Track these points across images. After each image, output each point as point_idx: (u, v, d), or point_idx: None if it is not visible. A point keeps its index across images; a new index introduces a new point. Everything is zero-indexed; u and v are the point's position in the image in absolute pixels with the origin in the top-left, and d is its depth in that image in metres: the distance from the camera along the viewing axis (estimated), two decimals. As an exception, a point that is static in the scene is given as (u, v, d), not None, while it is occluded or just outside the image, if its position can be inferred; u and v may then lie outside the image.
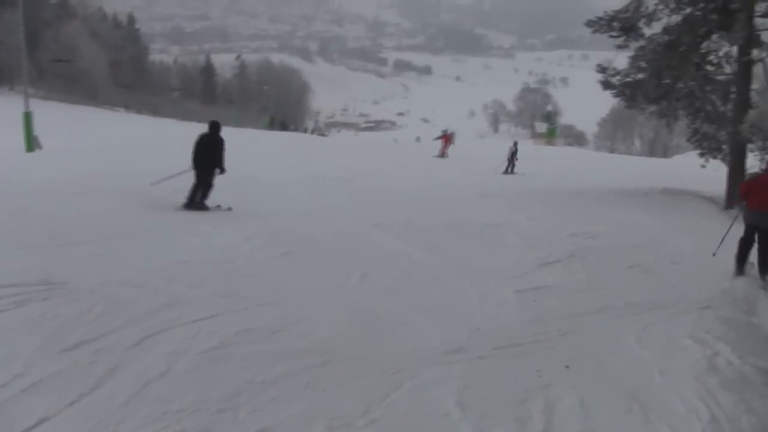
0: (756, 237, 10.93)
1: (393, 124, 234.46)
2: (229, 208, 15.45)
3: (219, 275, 9.25)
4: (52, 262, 9.33)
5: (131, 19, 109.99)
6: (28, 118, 33.55)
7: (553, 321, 7.93)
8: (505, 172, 30.46)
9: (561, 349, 7.06)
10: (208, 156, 15.28)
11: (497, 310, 8.32)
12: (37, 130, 33.28)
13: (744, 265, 11.07)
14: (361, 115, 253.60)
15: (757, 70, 21.41)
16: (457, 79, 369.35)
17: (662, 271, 11.00)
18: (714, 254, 12.00)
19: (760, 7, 21.34)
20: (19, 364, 5.76)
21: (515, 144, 32.34)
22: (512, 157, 31.14)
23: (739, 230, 11.27)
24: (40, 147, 33.16)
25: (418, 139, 77.72)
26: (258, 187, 19.84)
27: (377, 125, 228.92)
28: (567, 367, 6.60)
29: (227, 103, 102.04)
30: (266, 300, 8.11)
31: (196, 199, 15.32)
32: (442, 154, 39.61)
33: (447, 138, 41.76)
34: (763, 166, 15.43)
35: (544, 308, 8.49)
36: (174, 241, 11.54)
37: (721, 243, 12.12)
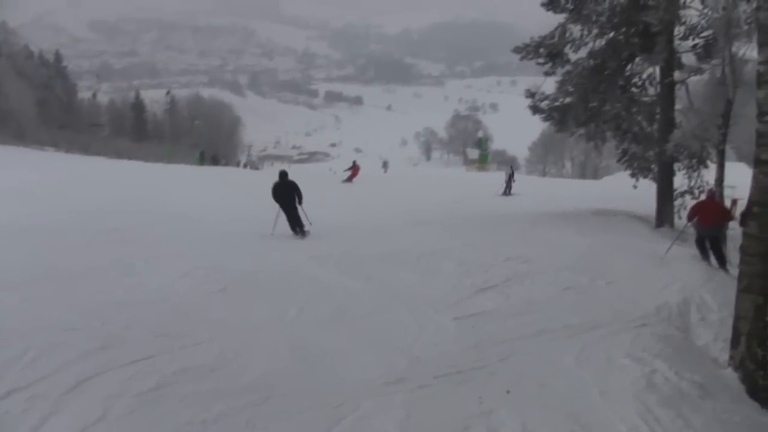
0: (707, 243, 15.79)
1: (326, 155, 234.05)
2: (311, 224, 18.19)
3: (155, 314, 9.13)
4: (-20, 308, 9.12)
5: (58, 57, 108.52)
6: (-49, 160, 32.84)
7: (492, 346, 7.99)
8: (504, 194, 31.67)
9: (501, 374, 7.11)
10: (287, 197, 18.12)
11: (436, 338, 8.34)
12: (-39, 172, 32.58)
13: (706, 254, 15.76)
14: (294, 147, 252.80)
15: (680, 91, 21.92)
16: (388, 108, 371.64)
17: (598, 292, 11.17)
18: (663, 257, 14.93)
19: (679, 30, 21.91)
20: (-52, 416, 5.62)
21: (511, 167, 34.15)
22: (509, 179, 33.14)
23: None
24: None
25: (331, 170, 77.63)
26: (189, 225, 19.61)
27: (310, 157, 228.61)
28: (508, 392, 6.64)
29: (158, 139, 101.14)
30: (204, 338, 8.02)
31: (297, 230, 17.95)
32: (350, 180, 41.81)
33: (355, 169, 43.87)
34: (706, 194, 17.81)
35: (482, 334, 8.54)
36: (109, 281, 11.35)
37: (668, 250, 15.90)
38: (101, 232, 16.89)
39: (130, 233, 17.06)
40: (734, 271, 10.66)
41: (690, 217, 16.35)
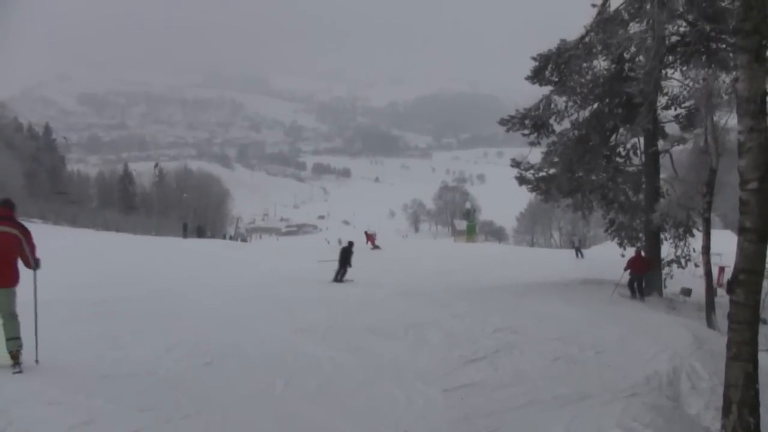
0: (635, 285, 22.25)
1: (314, 227, 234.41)
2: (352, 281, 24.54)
3: (140, 388, 9.00)
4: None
5: (47, 130, 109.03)
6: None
7: (481, 418, 7.91)
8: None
9: (491, 448, 7.03)
10: (347, 257, 26.10)
11: (424, 411, 8.25)
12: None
13: (634, 292, 22.22)
14: (282, 219, 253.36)
15: (665, 160, 22.13)
16: (376, 180, 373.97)
17: (587, 361, 11.11)
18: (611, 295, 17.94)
19: (661, 101, 22.21)
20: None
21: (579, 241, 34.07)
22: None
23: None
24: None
25: (327, 240, 78.21)
26: (175, 297, 19.52)
27: (299, 229, 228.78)
28: (497, 465, 6.56)
29: (147, 211, 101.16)
30: (189, 412, 7.91)
31: (339, 278, 25.07)
32: (374, 247, 48.23)
33: (370, 237, 50.29)
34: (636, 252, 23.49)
35: (471, 406, 8.46)
36: (94, 354, 11.22)
37: (613, 291, 20.99)
38: (87, 304, 16.79)
39: (116, 305, 16.95)
40: (722, 337, 10.63)
41: (627, 267, 22.75)
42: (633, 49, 22.29)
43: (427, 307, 17.63)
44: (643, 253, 23.27)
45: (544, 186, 24.13)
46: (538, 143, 24.10)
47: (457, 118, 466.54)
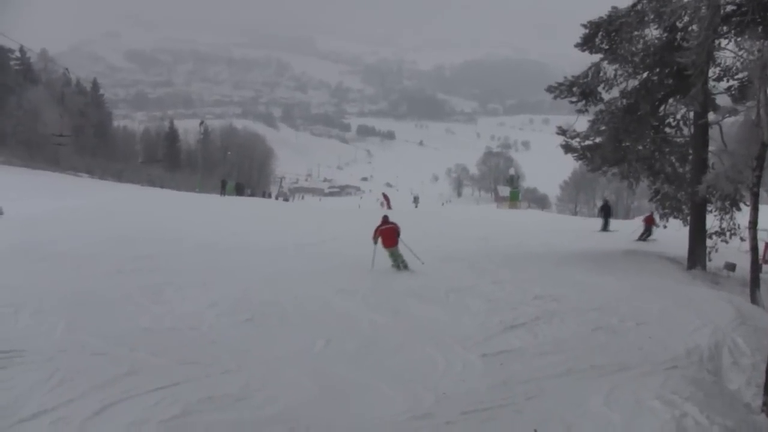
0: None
1: (357, 189, 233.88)
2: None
3: (182, 342, 9.12)
4: (9, 330, 9.16)
5: (95, 85, 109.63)
6: (-13, 184, 33.29)
7: (519, 385, 7.88)
8: (640, 238, 30.26)
9: (528, 413, 7.01)
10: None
11: (463, 375, 8.25)
12: (-2, 195, 32.94)
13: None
14: (325, 180, 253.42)
15: (714, 132, 21.75)
16: (420, 144, 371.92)
17: (627, 333, 11.00)
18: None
19: (714, 72, 21.80)
20: (-26, 436, 5.62)
21: (652, 213, 32.90)
22: (649, 226, 31.26)
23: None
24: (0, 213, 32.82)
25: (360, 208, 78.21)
26: (217, 254, 19.66)
27: (342, 190, 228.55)
28: (535, 431, 6.54)
29: (191, 168, 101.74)
30: (230, 367, 7.98)
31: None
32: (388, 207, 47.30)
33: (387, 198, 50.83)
34: None
35: (510, 372, 8.44)
36: (136, 308, 11.38)
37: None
38: (131, 259, 16.99)
39: (159, 261, 17.14)
40: (766, 314, 10.49)
41: None
42: (686, 18, 21.84)
43: (468, 272, 17.57)
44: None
45: (589, 154, 23.85)
46: (586, 111, 23.80)
47: (504, 84, 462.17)
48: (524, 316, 11.84)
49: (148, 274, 15.01)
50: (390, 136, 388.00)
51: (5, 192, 34.08)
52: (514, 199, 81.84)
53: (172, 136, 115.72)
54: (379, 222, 19.05)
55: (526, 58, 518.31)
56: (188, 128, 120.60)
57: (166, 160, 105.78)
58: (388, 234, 18.56)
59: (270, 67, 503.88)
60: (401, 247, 18.51)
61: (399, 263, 18.17)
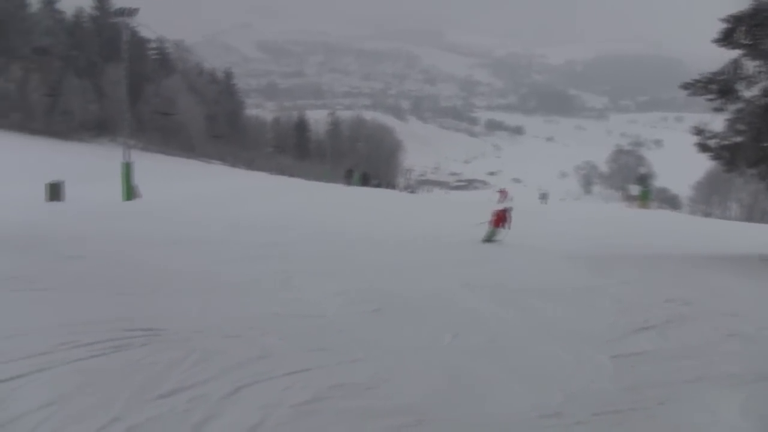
0: None
1: (484, 183, 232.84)
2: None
3: (310, 329, 9.28)
4: (149, 309, 9.52)
5: (228, 75, 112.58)
6: (127, 168, 34.64)
7: (650, 389, 7.69)
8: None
9: (660, 418, 6.85)
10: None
11: (593, 375, 8.11)
12: (136, 179, 34.20)
13: None
14: (452, 173, 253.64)
15: None
16: (549, 139, 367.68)
17: (765, 341, 10.61)
18: None
19: None
20: (117, 407, 5.84)
21: None
22: None
23: None
24: (139, 196, 34.11)
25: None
26: (344, 243, 19.93)
27: (468, 184, 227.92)
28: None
29: (320, 158, 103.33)
30: (358, 356, 8.08)
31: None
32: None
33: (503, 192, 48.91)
34: None
35: (640, 375, 8.25)
36: (265, 293, 11.66)
37: None
38: (260, 245, 17.46)
39: (286, 248, 17.52)
40: None
41: None
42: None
43: (595, 271, 17.29)
44: None
45: (727, 155, 23.14)
46: (723, 110, 23.10)
47: (636, 80, 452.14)
48: (654, 318, 11.55)
49: (275, 261, 15.39)
50: (518, 130, 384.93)
51: (144, 177, 35.39)
52: (644, 199, 79.97)
53: (302, 125, 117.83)
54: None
55: (660, 54, 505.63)
56: (318, 118, 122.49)
57: (296, 150, 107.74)
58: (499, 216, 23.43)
59: (399, 60, 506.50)
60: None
61: (491, 237, 23.38)
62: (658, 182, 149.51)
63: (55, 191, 32.50)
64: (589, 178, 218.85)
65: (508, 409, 6.79)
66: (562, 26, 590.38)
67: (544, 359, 8.73)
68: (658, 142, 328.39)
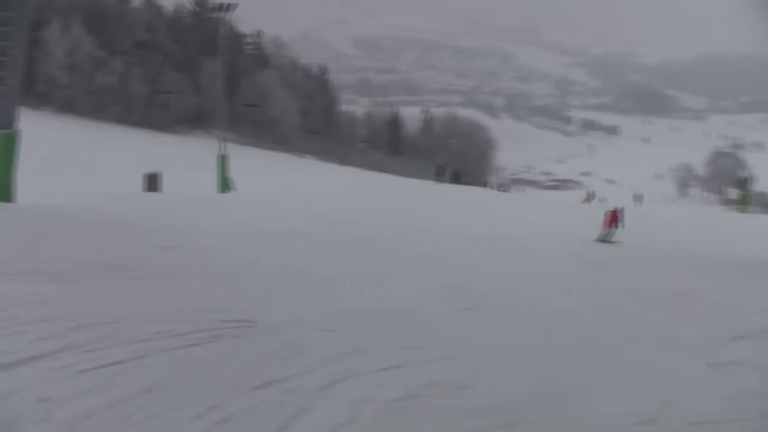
0: None
1: (577, 183, 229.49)
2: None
3: (402, 325, 9.29)
4: (243, 301, 9.64)
5: (323, 70, 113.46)
6: (223, 160, 35.27)
7: (750, 400, 7.48)
8: None
9: (761, 431, 6.68)
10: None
11: (689, 383, 7.93)
12: (231, 172, 34.79)
13: None
14: (545, 173, 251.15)
15: None
16: (645, 140, 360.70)
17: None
18: None
19: None
20: (213, 397, 5.92)
21: None
22: None
23: None
24: (234, 188, 34.71)
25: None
26: (435, 240, 19.94)
27: (561, 184, 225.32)
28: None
29: (412, 154, 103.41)
30: (450, 354, 8.05)
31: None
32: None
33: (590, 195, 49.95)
34: None
35: (739, 385, 8.03)
36: (357, 288, 11.70)
37: None
38: (351, 240, 17.57)
39: (377, 244, 17.60)
40: None
41: None
42: None
43: (692, 276, 16.95)
44: None
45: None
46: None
47: (737, 81, 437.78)
48: (753, 326, 11.25)
49: (368, 256, 15.45)
50: (613, 131, 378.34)
51: (238, 169, 35.98)
52: (744, 203, 77.74)
53: (395, 122, 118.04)
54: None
55: (763, 53, 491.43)
56: (411, 115, 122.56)
57: (388, 146, 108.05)
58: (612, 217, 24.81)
59: (494, 57, 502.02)
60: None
61: (607, 238, 24.62)
62: (759, 186, 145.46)
63: (152, 182, 33.29)
64: (685, 181, 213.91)
65: (601, 413, 6.69)
66: (660, 24, 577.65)
67: (639, 364, 8.57)
68: (759, 145, 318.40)
